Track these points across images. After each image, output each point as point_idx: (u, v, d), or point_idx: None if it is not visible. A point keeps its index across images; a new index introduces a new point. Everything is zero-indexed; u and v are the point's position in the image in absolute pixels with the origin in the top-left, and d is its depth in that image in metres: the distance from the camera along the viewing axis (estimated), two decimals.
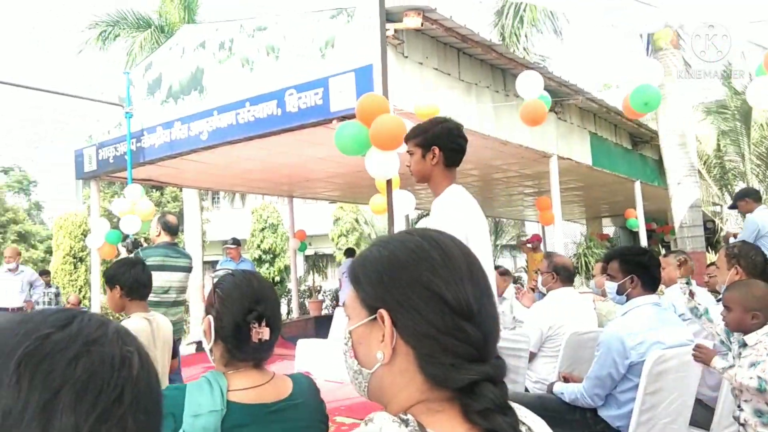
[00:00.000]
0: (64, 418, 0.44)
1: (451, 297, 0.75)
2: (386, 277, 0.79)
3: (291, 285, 13.53)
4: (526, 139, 6.32)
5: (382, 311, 0.77)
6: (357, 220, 18.36)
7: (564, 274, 3.69)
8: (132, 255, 4.47)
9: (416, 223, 15.04)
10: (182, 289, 4.54)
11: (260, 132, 5.85)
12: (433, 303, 0.75)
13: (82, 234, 13.72)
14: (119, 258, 3.40)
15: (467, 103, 5.70)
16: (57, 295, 8.37)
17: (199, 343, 9.80)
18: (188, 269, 4.63)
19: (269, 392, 1.32)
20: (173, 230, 4.63)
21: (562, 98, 6.69)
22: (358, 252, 9.83)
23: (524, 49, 12.06)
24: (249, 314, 1.31)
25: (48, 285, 8.71)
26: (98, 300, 8.22)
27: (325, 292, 15.44)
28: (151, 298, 4.30)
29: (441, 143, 2.36)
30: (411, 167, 2.49)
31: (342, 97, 5.14)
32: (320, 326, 9.48)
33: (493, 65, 6.21)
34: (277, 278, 18.45)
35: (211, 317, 1.34)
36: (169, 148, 6.69)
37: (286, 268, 18.61)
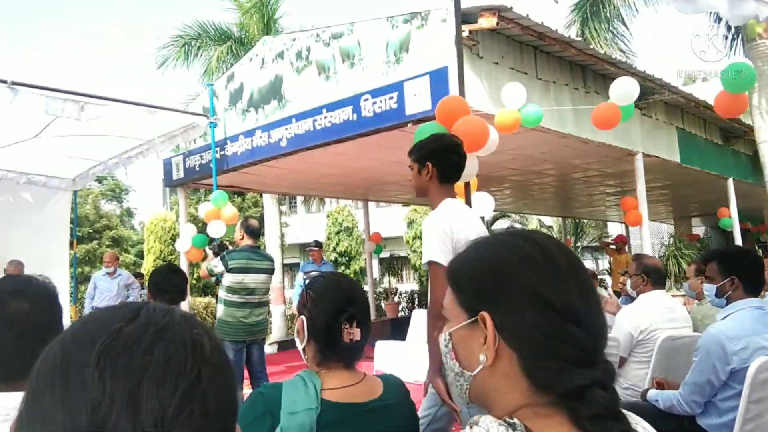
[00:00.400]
0: (150, 403, 0.46)
1: (556, 299, 0.74)
2: (487, 279, 0.78)
3: (367, 287, 13.69)
4: (609, 137, 6.08)
5: (484, 314, 0.76)
6: None
7: (655, 277, 3.52)
8: (219, 257, 4.66)
9: (491, 225, 14.83)
10: (265, 290, 4.69)
11: (336, 137, 5.96)
12: (537, 305, 0.74)
13: (170, 238, 14.45)
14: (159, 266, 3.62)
15: (545, 101, 5.56)
16: None
17: (280, 343, 10.08)
18: (270, 271, 4.78)
19: (361, 392, 1.34)
20: (255, 233, 4.79)
21: (647, 94, 6.39)
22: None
23: (604, 43, 11.61)
24: (341, 315, 1.33)
25: (142, 287, 9.20)
26: (187, 299, 8.65)
27: (400, 294, 15.48)
28: (237, 299, 4.49)
29: (435, 159, 2.45)
30: (411, 182, 2.59)
31: (417, 101, 5.16)
32: (397, 328, 9.53)
33: (572, 62, 6.03)
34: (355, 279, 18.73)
35: (303, 317, 1.38)
36: (250, 155, 6.95)
37: (362, 270, 18.86)
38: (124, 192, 27.09)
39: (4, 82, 5.08)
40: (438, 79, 5.02)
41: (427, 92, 5.08)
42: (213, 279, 5.04)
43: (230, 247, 5.10)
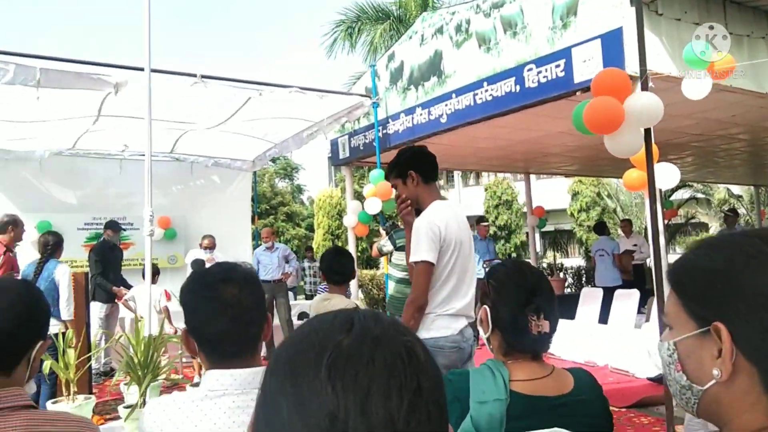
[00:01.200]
0: (380, 413, 0.48)
1: None
2: (722, 286, 0.70)
3: (530, 262, 13.37)
4: None
5: (718, 324, 0.69)
6: (599, 194, 17.24)
7: None
8: (387, 236, 4.81)
9: (670, 195, 13.55)
10: None
11: (498, 111, 5.82)
12: None
13: (337, 213, 15.30)
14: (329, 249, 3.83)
15: (737, 57, 4.90)
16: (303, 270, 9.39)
17: None
18: None
19: (550, 386, 1.30)
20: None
21: None
22: (604, 226, 9.17)
23: None
24: (526, 306, 1.30)
25: (312, 259, 9.85)
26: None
27: (566, 270, 14.85)
28: (405, 275, 4.61)
29: (415, 165, 2.71)
30: (400, 198, 2.79)
31: (587, 67, 4.84)
32: (564, 305, 9.15)
33: None
34: (513, 255, 18.36)
35: (486, 307, 1.37)
36: (411, 132, 7.05)
37: (522, 244, 18.43)
38: (294, 170, 29.16)
39: (194, 75, 5.69)
40: (610, 42, 4.65)
41: (599, 57, 4.74)
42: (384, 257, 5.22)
43: (400, 227, 5.24)
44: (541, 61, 5.26)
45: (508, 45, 5.64)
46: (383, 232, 5.33)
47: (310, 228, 23.35)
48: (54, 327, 4.57)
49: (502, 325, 1.34)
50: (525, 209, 13.85)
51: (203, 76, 5.75)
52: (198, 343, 1.32)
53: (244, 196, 9.91)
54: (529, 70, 5.38)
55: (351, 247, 8.89)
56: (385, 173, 3.00)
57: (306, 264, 10.54)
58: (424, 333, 2.58)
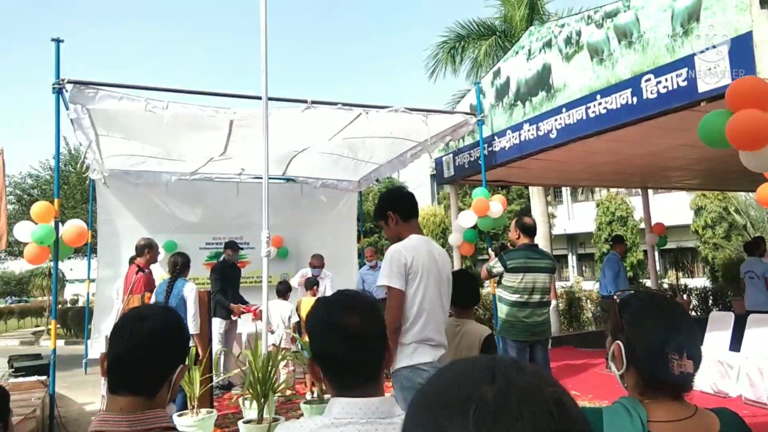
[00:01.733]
0: None
1: None
2: None
3: (649, 282, 12.53)
4: None
5: None
6: (726, 209, 15.86)
7: None
8: (497, 257, 4.70)
9: None
10: (546, 290, 4.57)
11: (613, 124, 5.56)
12: None
13: (441, 232, 15.24)
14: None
15: None
16: None
17: (554, 339, 9.85)
18: (551, 270, 4.63)
19: (694, 428, 1.18)
20: (530, 231, 4.70)
21: None
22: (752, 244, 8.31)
23: None
24: (667, 344, 1.19)
25: None
26: None
27: (690, 291, 13.74)
28: (517, 298, 4.47)
29: (392, 207, 2.97)
30: (386, 236, 3.09)
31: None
32: None
33: None
34: (630, 275, 17.34)
35: (620, 343, 1.27)
36: (518, 149, 6.90)
37: (639, 263, 17.36)
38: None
39: (305, 101, 5.95)
40: (739, 47, 4.30)
41: (725, 64, 4.39)
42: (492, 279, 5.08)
43: (510, 248, 5.11)
44: (660, 71, 4.96)
45: (623, 55, 5.38)
46: (492, 253, 5.21)
47: None
48: None
49: (639, 365, 1.24)
50: (642, 225, 13.05)
51: (313, 102, 5.99)
52: (323, 370, 1.34)
53: (351, 216, 10.15)
54: (647, 80, 5.09)
55: (456, 266, 8.81)
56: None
57: None
58: (405, 361, 2.74)
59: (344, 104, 6.15)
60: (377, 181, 10.04)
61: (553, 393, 0.51)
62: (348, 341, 1.27)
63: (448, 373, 0.55)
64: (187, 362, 1.47)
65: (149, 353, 1.28)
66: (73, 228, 5.55)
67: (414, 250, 2.82)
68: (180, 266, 5.30)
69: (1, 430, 1.60)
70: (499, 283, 4.65)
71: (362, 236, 11.02)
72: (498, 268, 4.55)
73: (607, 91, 5.55)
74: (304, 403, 4.44)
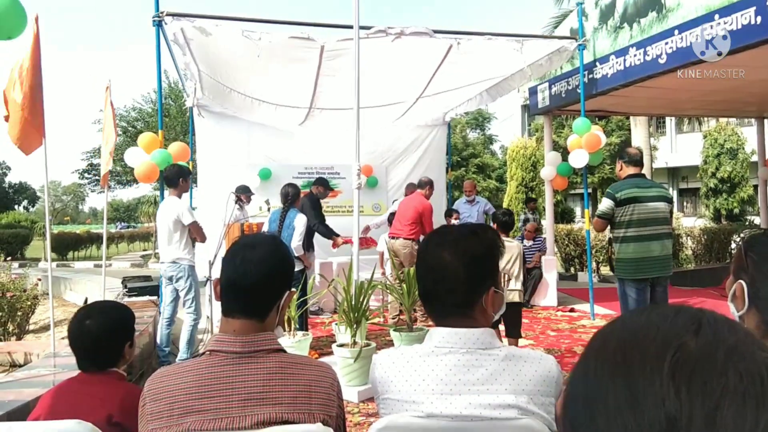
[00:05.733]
0: (729, 430, 0.43)
1: None
2: None
3: (758, 220, 11.69)
4: None
5: None
6: None
7: None
8: (605, 195, 4.47)
9: None
10: (662, 220, 4.25)
11: (733, 47, 5.03)
12: None
13: (531, 165, 14.75)
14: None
15: None
16: (525, 221, 9.12)
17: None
18: (663, 198, 4.32)
19: None
20: (635, 161, 4.42)
21: None
22: None
23: None
24: None
25: (533, 211, 9.60)
26: (551, 227, 8.81)
27: None
28: (631, 232, 4.24)
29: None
30: None
31: None
32: None
33: None
34: (737, 211, 16.20)
35: (743, 282, 1.19)
36: (622, 76, 6.44)
37: (749, 199, 16.15)
38: (486, 120, 28.71)
39: (394, 30, 5.79)
40: None
41: None
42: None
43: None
44: None
45: None
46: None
47: (501, 179, 22.93)
48: None
49: (762, 306, 1.16)
50: (753, 158, 12.02)
51: (403, 31, 5.82)
52: (423, 302, 1.37)
53: (440, 148, 10.04)
54: None
55: (548, 201, 8.57)
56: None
57: (529, 216, 9.87)
58: None
59: (435, 31, 5.94)
60: (465, 113, 9.80)
61: (766, 358, 0.47)
62: (428, 275, 1.35)
63: (647, 317, 0.52)
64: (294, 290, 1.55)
65: (259, 279, 1.35)
66: (178, 146, 5.96)
67: None
68: (291, 197, 5.53)
69: (129, 345, 1.78)
70: (612, 225, 4.40)
71: (450, 170, 10.89)
72: (607, 204, 4.31)
73: (727, 11, 5.01)
74: (394, 330, 4.58)
